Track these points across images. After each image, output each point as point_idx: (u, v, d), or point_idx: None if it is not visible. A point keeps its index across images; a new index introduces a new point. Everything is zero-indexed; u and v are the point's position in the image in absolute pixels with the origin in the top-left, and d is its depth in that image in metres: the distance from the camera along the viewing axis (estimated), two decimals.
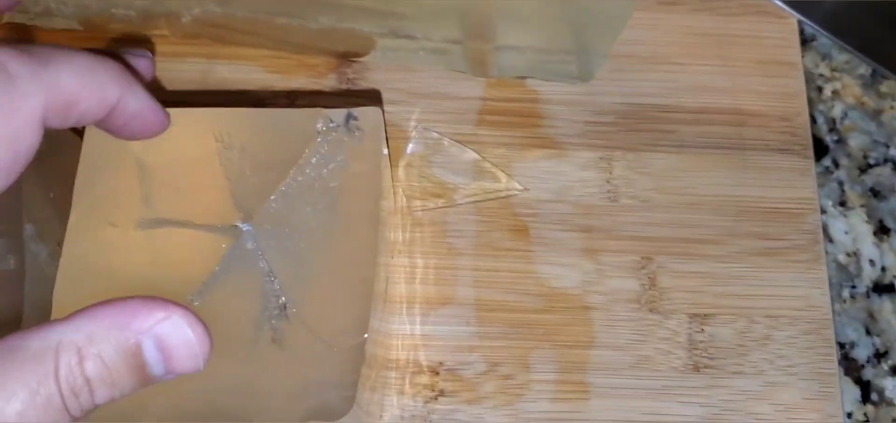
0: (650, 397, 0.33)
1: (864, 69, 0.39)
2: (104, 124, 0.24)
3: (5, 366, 0.19)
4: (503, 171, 0.36)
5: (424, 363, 0.34)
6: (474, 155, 0.36)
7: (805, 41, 0.39)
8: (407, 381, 0.33)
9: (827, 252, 0.36)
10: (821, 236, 0.35)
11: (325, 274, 0.28)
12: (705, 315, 0.34)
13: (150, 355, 0.21)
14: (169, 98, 0.36)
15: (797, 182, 0.36)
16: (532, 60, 0.36)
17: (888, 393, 0.34)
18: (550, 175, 0.36)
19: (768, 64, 0.38)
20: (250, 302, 0.28)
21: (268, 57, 0.37)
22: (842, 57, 0.39)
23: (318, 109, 0.30)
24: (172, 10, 0.35)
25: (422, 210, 0.35)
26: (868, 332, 0.35)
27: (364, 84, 0.37)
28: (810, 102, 0.38)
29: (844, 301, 0.35)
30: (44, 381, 0.19)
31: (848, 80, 0.39)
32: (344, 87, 0.37)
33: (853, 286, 0.36)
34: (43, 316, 0.26)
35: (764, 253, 0.35)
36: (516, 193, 0.35)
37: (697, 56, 0.38)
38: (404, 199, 0.35)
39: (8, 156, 0.20)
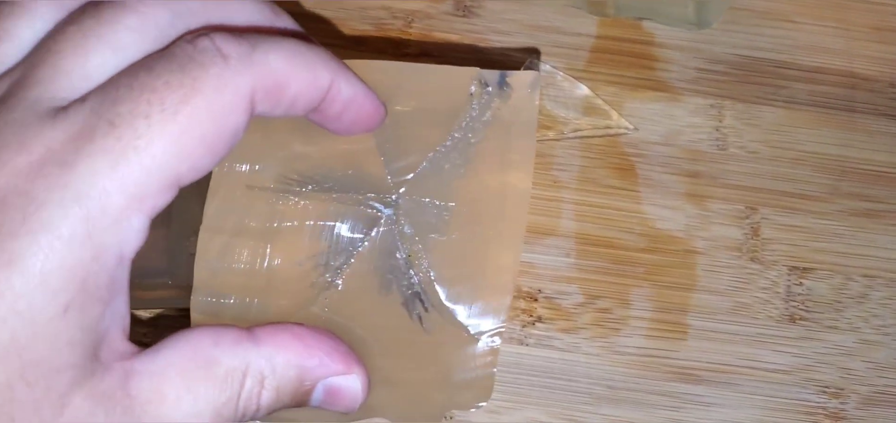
0: (745, 343, 0.34)
1: None
2: (318, 116, 0.24)
3: (200, 377, 0.21)
4: (614, 109, 0.36)
5: (524, 289, 0.34)
6: (586, 90, 0.36)
7: None
8: None
9: None
10: None
11: (471, 252, 0.27)
12: (804, 269, 0.35)
13: (317, 395, 0.23)
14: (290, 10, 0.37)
15: None
16: (650, 2, 0.36)
17: None
18: (660, 118, 0.36)
19: (884, 31, 0.38)
20: (393, 284, 0.27)
21: None
22: None
23: (472, 68, 0.27)
24: None
25: None
26: None
27: (480, 12, 0.37)
28: None
29: None
30: (228, 403, 0.21)
31: None
32: (460, 14, 0.38)
33: None
34: None
35: (865, 214, 0.35)
36: (626, 131, 0.36)
37: (814, 16, 0.38)
38: None
39: (212, 130, 0.20)
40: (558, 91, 0.36)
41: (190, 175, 0.20)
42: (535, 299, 0.34)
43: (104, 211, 0.18)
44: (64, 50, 0.20)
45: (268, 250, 0.26)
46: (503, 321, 0.27)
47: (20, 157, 0.18)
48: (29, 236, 0.18)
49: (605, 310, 0.34)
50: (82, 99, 0.19)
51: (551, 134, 0.36)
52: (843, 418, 0.33)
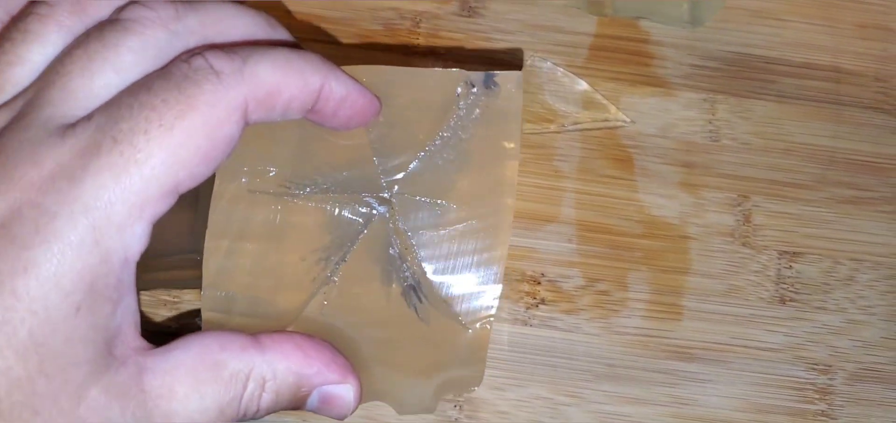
0: (738, 323, 0.36)
1: None
2: (315, 117, 0.25)
3: (208, 379, 0.23)
4: (612, 103, 0.38)
5: (528, 273, 0.36)
6: (586, 85, 0.38)
7: None
8: (510, 286, 0.36)
9: None
10: None
11: (461, 245, 0.29)
12: (794, 253, 0.37)
13: (313, 400, 0.25)
14: (297, 15, 0.39)
15: (888, 139, 0.38)
16: (647, 2, 0.38)
17: None
18: (656, 111, 0.38)
19: (869, 28, 0.40)
20: (389, 277, 0.28)
21: None
22: None
23: (459, 71, 0.29)
24: None
25: (532, 133, 0.38)
26: None
27: (485, 12, 0.39)
28: None
29: None
30: (231, 403, 0.23)
31: None
32: (465, 14, 0.40)
33: None
34: None
35: (852, 201, 0.37)
36: (623, 124, 0.38)
37: (802, 15, 0.40)
38: None
39: (207, 142, 0.22)
40: (559, 86, 0.38)
41: (188, 182, 0.22)
42: (539, 283, 0.36)
43: (109, 220, 0.20)
44: (72, 72, 0.22)
45: (272, 249, 0.28)
46: (493, 312, 0.29)
47: (33, 172, 0.20)
48: (43, 245, 0.20)
49: (604, 292, 0.36)
50: (89, 117, 0.21)
51: (552, 127, 0.38)
52: (831, 393, 0.35)
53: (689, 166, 0.38)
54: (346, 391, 0.25)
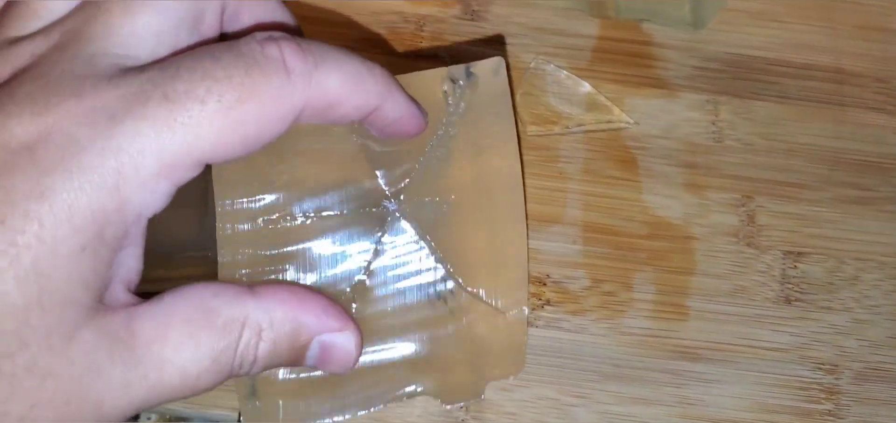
0: (744, 323, 0.36)
1: None
2: (365, 124, 0.25)
3: (201, 325, 0.22)
4: (616, 105, 0.38)
5: (533, 274, 0.36)
6: (589, 87, 0.38)
7: None
8: None
9: None
10: None
11: (479, 236, 0.29)
12: (799, 253, 0.37)
13: (313, 351, 0.24)
14: (308, 14, 0.39)
15: (891, 140, 0.38)
16: (649, 5, 0.38)
17: None
18: (659, 113, 0.38)
19: (869, 29, 0.40)
20: (414, 280, 0.28)
21: None
22: None
23: (440, 69, 0.29)
24: None
25: (536, 135, 0.38)
26: None
27: (487, 16, 0.40)
28: None
29: None
30: (226, 351, 0.22)
31: None
32: (468, 18, 0.40)
33: None
34: None
35: (856, 201, 0.37)
36: (627, 126, 0.38)
37: (803, 17, 0.40)
38: (520, 123, 0.38)
39: (254, 133, 0.21)
40: (563, 88, 0.38)
41: (219, 160, 0.21)
42: (544, 284, 0.36)
43: (137, 170, 0.20)
44: (112, 9, 0.21)
45: (288, 272, 0.27)
46: (526, 293, 0.29)
47: (72, 102, 0.20)
48: (64, 173, 0.19)
49: (609, 293, 0.36)
50: (141, 68, 0.21)
51: (557, 129, 0.38)
52: (837, 392, 0.35)
53: (693, 167, 0.38)
54: (346, 340, 0.24)
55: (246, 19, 0.25)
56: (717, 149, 0.38)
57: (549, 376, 0.35)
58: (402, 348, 0.29)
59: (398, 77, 0.29)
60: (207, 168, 0.32)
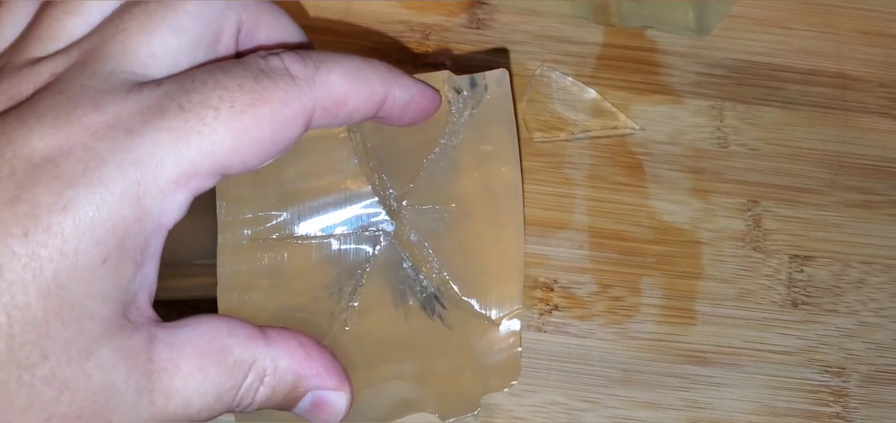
0: (751, 327, 0.36)
1: None
2: (382, 119, 0.25)
3: (213, 361, 0.22)
4: (621, 111, 0.39)
5: (541, 279, 0.36)
6: (595, 94, 0.38)
7: None
8: (523, 293, 0.36)
9: None
10: None
11: (477, 246, 0.29)
12: (805, 257, 0.37)
13: (305, 403, 0.25)
14: (314, 24, 0.39)
15: (894, 143, 0.39)
16: (653, 12, 0.39)
17: None
18: (665, 119, 0.39)
19: (872, 34, 0.40)
20: (407, 293, 0.28)
21: None
22: None
23: (441, 71, 0.29)
24: None
25: (542, 142, 0.38)
26: None
27: (493, 24, 0.40)
28: None
29: None
30: (230, 390, 0.23)
31: None
32: (474, 26, 0.40)
33: None
34: None
35: (861, 205, 0.38)
36: (632, 132, 0.38)
37: (806, 22, 0.40)
38: (526, 130, 0.38)
39: (269, 136, 0.22)
40: (568, 95, 0.39)
41: (238, 169, 0.22)
42: (552, 289, 0.36)
43: (156, 180, 0.20)
44: (130, 29, 0.22)
45: (283, 294, 0.27)
46: (519, 304, 0.29)
47: (93, 115, 0.20)
48: (87, 187, 0.20)
49: (617, 298, 0.36)
50: (157, 82, 0.21)
51: (563, 135, 0.38)
52: (845, 395, 0.35)
53: (699, 172, 0.38)
54: (339, 398, 0.25)
55: (261, 37, 0.25)
56: (722, 154, 0.38)
57: (557, 381, 0.35)
58: (398, 365, 0.29)
59: None
60: None
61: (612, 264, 0.37)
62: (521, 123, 0.38)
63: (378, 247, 0.28)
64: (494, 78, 0.29)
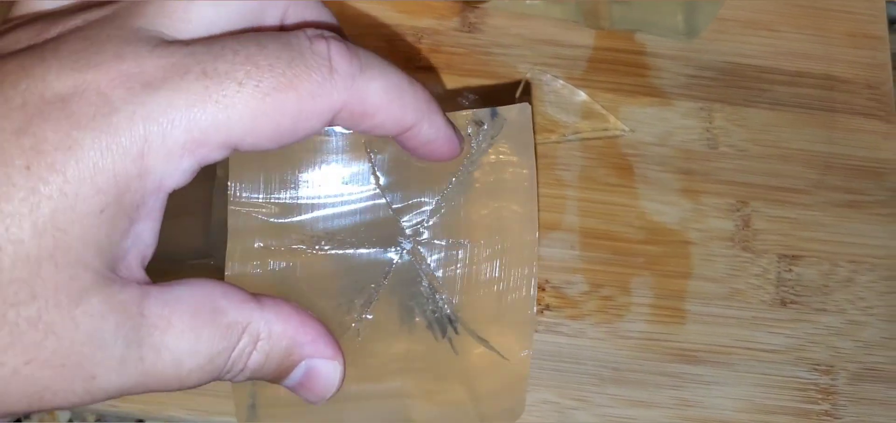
0: (740, 326, 0.36)
1: None
2: (398, 142, 0.25)
3: (206, 321, 0.22)
4: (611, 113, 0.39)
5: None
6: (585, 96, 0.39)
7: (890, 23, 0.42)
8: None
9: None
10: None
11: (488, 278, 0.28)
12: (793, 256, 0.37)
13: (297, 373, 0.24)
14: None
15: (881, 144, 0.39)
16: (642, 15, 0.39)
17: None
18: (655, 120, 0.39)
19: (858, 36, 0.41)
20: (419, 313, 0.28)
21: None
22: None
23: (466, 111, 0.29)
24: None
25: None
26: None
27: (484, 28, 0.40)
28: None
29: None
30: (223, 353, 0.22)
31: None
32: (465, 30, 0.40)
33: None
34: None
35: (849, 205, 0.38)
36: (622, 133, 0.39)
37: (794, 25, 0.41)
38: None
39: (288, 125, 0.21)
40: (559, 98, 0.39)
41: (249, 147, 0.21)
42: (543, 289, 0.37)
43: (164, 140, 0.20)
44: None
45: (293, 296, 0.26)
46: (530, 343, 0.28)
47: (112, 63, 0.20)
48: (93, 131, 0.19)
49: (608, 298, 0.37)
50: (185, 43, 0.21)
51: (554, 137, 0.39)
52: (833, 392, 0.36)
53: (689, 173, 0.38)
54: (333, 369, 0.24)
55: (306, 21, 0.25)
56: (711, 155, 0.39)
57: (549, 379, 0.35)
58: (403, 384, 0.29)
59: None
60: (208, 176, 0.33)
61: (602, 264, 0.37)
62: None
63: (393, 266, 0.28)
64: (516, 113, 0.29)
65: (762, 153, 0.39)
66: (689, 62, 0.40)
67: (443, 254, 0.28)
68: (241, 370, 0.23)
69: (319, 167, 0.27)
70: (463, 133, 0.28)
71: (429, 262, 0.28)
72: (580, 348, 0.36)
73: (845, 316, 0.36)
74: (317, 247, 0.27)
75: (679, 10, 0.38)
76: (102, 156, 0.19)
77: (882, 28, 0.41)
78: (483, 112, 0.29)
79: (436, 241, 0.28)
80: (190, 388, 0.22)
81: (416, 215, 0.28)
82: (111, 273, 0.20)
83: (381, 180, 0.28)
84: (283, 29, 0.24)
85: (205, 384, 0.22)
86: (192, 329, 0.21)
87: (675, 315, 0.36)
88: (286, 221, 0.27)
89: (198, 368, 0.22)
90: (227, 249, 0.26)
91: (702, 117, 0.39)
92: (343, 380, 0.25)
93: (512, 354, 0.28)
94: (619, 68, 0.40)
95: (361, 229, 0.28)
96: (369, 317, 0.28)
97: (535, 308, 0.28)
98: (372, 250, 0.28)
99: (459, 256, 0.28)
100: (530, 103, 0.30)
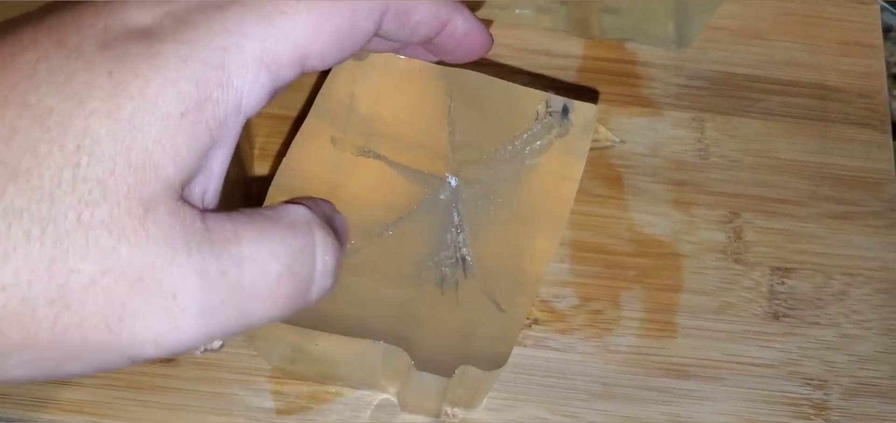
0: (732, 340, 0.36)
1: None
2: (437, 49, 0.27)
3: (272, 225, 0.21)
4: (601, 124, 0.38)
5: None
6: None
7: (885, 31, 0.42)
8: None
9: None
10: None
11: (508, 242, 0.31)
12: (786, 269, 0.37)
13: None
14: None
15: (875, 154, 0.39)
16: (632, 24, 0.39)
17: None
18: (645, 131, 0.38)
19: (851, 45, 0.40)
20: (434, 246, 0.30)
21: None
22: None
23: (541, 92, 0.32)
24: None
25: None
26: None
27: None
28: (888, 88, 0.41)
29: None
30: (304, 249, 0.21)
31: None
32: None
33: None
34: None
35: (842, 216, 0.37)
36: (613, 144, 0.38)
37: (786, 33, 0.40)
38: None
39: (346, 27, 0.22)
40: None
41: (315, 62, 0.22)
42: (532, 304, 0.36)
43: (240, 52, 0.20)
44: None
45: (340, 193, 0.31)
46: (530, 302, 0.30)
47: None
48: (174, 43, 0.20)
49: (598, 312, 0.36)
50: None
51: None
52: (827, 408, 0.35)
53: (680, 185, 0.38)
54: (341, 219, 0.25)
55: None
56: (703, 166, 0.38)
57: (537, 395, 0.35)
58: (399, 301, 0.30)
59: (505, 84, 0.33)
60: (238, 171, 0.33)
61: (592, 277, 0.36)
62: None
63: (430, 196, 0.31)
64: (584, 113, 0.32)
65: (754, 164, 0.38)
66: (679, 72, 0.39)
67: (477, 203, 0.31)
68: (331, 271, 0.22)
69: (402, 92, 0.32)
70: (531, 110, 0.32)
71: (462, 206, 0.31)
72: (569, 363, 0.35)
73: (839, 330, 0.36)
74: (377, 155, 0.32)
75: (670, 20, 0.38)
76: (184, 63, 0.20)
77: (877, 36, 0.41)
78: (556, 100, 0.32)
79: (476, 188, 0.31)
80: (283, 305, 0.21)
81: (468, 161, 0.32)
82: (180, 189, 0.20)
83: (452, 120, 0.32)
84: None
85: (296, 307, 0.21)
86: (262, 232, 0.21)
87: (666, 329, 0.36)
88: (356, 130, 0.31)
89: (286, 270, 0.21)
90: (300, 129, 0.31)
91: (693, 128, 0.39)
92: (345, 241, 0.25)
93: (509, 306, 0.30)
94: (610, 78, 0.39)
95: (420, 152, 0.32)
96: (390, 233, 0.31)
97: (541, 280, 0.31)
98: (420, 175, 0.32)
99: (492, 212, 0.31)
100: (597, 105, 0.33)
